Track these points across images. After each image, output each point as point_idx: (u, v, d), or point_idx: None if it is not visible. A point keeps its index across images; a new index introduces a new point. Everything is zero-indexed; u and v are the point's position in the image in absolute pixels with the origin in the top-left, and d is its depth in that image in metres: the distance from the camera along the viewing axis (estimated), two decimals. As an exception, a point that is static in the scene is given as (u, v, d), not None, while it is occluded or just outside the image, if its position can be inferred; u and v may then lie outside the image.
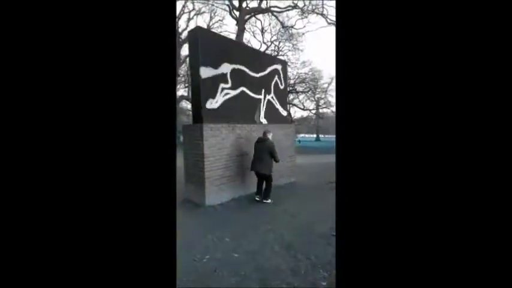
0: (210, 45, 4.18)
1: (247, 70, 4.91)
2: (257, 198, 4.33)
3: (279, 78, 5.81)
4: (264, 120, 5.36)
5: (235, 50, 4.76)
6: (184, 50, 16.93)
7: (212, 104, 4.24)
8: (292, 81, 18.08)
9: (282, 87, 5.90)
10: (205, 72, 4.11)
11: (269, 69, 5.49)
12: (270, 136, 4.33)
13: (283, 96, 6.06)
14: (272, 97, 5.60)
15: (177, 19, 16.38)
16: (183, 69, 17.68)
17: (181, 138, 4.72)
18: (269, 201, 4.26)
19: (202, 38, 4.10)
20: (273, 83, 5.64)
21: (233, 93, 4.62)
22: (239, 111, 4.72)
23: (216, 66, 4.29)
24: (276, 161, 4.27)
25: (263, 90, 5.31)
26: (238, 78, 4.69)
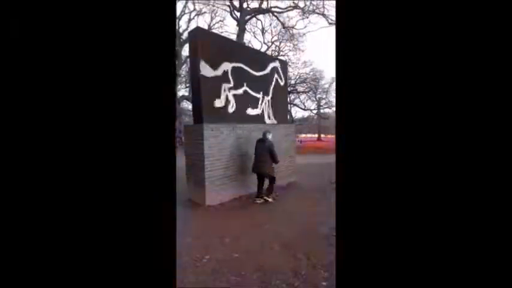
0: (209, 46, 4.19)
1: (248, 69, 4.93)
2: (258, 201, 4.27)
3: (279, 75, 5.79)
4: (269, 121, 5.37)
5: (235, 49, 4.77)
6: (185, 51, 16.93)
7: (218, 103, 4.30)
8: (293, 81, 18.04)
9: (282, 83, 5.87)
10: (206, 72, 4.12)
11: (269, 67, 5.50)
12: (269, 136, 4.31)
13: (283, 96, 6.06)
14: (271, 97, 5.59)
15: (177, 20, 16.37)
16: (184, 70, 17.69)
17: (183, 138, 4.73)
18: (270, 199, 4.24)
19: (202, 38, 4.12)
20: (273, 82, 5.64)
21: (236, 92, 4.64)
22: (240, 111, 4.73)
23: (216, 66, 4.30)
24: (276, 161, 4.24)
25: (262, 91, 5.31)
26: (239, 77, 4.71)
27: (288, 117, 6.32)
